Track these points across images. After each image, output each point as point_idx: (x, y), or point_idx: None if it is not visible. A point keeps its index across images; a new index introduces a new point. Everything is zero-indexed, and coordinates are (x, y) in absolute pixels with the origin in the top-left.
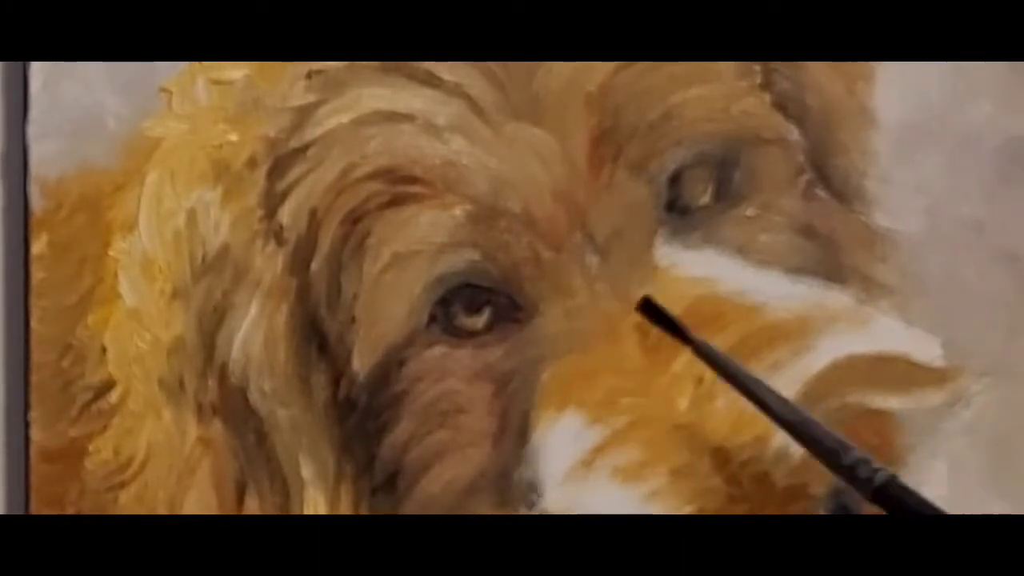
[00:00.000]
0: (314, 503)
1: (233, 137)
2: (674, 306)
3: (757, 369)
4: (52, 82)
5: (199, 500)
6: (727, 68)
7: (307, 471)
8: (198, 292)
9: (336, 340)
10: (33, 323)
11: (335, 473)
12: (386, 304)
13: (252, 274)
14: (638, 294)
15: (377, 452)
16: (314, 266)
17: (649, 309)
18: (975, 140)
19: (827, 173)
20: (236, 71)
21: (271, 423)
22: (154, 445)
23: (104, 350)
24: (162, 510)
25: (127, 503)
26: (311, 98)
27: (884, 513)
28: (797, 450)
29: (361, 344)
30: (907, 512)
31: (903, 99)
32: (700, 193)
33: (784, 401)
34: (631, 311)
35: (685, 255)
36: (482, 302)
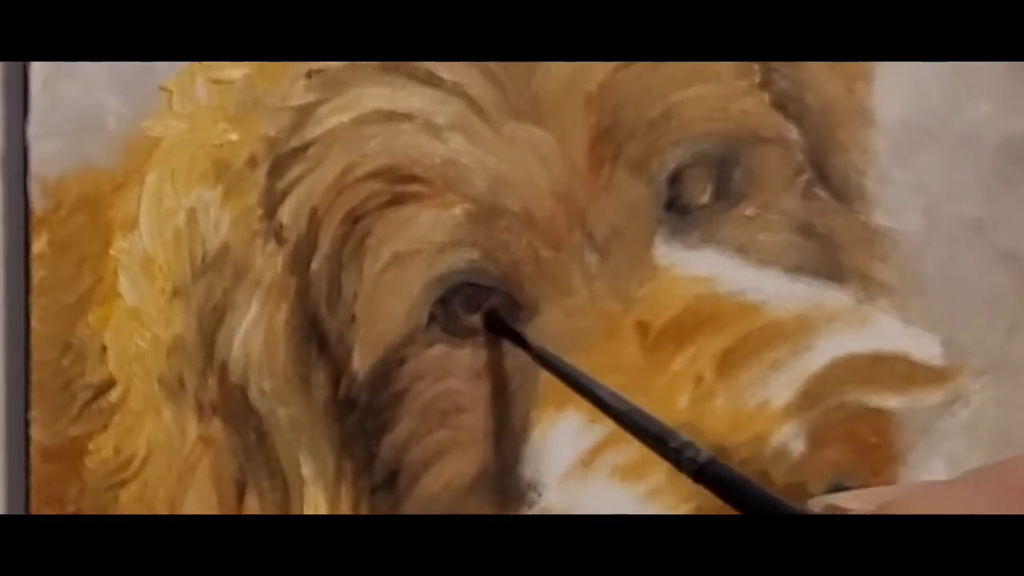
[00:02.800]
0: (314, 501)
1: (233, 136)
2: (673, 305)
3: (757, 368)
4: (52, 82)
5: (199, 498)
6: (726, 68)
7: (307, 469)
8: (198, 291)
9: (336, 339)
10: (33, 322)
11: (335, 472)
12: (386, 303)
13: (252, 273)
14: (638, 293)
15: (377, 451)
16: (314, 265)
17: (492, 321)
18: (974, 140)
19: (826, 172)
20: (236, 71)
21: (271, 422)
22: (154, 444)
23: (104, 349)
24: (162, 509)
25: (127, 502)
26: (311, 97)
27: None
28: (796, 448)
29: (361, 343)
30: (728, 488)
31: (902, 99)
32: (699, 192)
33: (616, 395)
34: (631, 310)
35: (684, 254)
36: (482, 301)
